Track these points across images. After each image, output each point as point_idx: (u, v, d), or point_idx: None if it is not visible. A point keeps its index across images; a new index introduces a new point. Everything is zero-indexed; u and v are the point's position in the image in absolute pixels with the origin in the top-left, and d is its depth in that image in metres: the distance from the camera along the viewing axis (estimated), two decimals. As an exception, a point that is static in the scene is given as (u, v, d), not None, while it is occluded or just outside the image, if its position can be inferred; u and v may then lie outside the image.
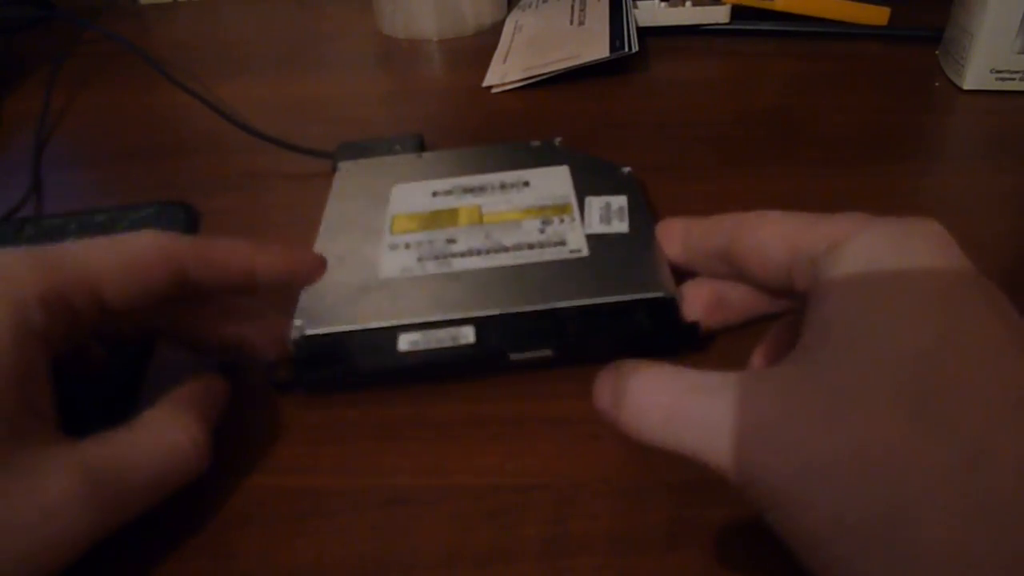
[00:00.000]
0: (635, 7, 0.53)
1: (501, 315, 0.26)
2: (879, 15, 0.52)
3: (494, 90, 0.47)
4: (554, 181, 0.33)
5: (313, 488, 0.23)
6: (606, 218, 0.30)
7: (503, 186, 0.33)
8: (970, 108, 0.43)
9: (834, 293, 0.17)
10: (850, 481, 0.14)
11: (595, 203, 0.31)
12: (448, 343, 0.25)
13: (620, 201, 0.31)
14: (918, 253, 0.17)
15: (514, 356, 0.25)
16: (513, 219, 0.30)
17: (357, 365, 0.25)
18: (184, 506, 0.22)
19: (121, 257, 0.20)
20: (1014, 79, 0.43)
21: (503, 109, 0.45)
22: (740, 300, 0.24)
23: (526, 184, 0.33)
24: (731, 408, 0.16)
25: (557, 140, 0.36)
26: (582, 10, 0.54)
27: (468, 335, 0.25)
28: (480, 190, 0.32)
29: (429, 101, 0.47)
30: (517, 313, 0.26)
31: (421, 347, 0.25)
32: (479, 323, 0.26)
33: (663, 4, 0.53)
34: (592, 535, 0.21)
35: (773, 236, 0.20)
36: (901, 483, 0.13)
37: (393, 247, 0.29)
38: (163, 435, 0.20)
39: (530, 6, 0.59)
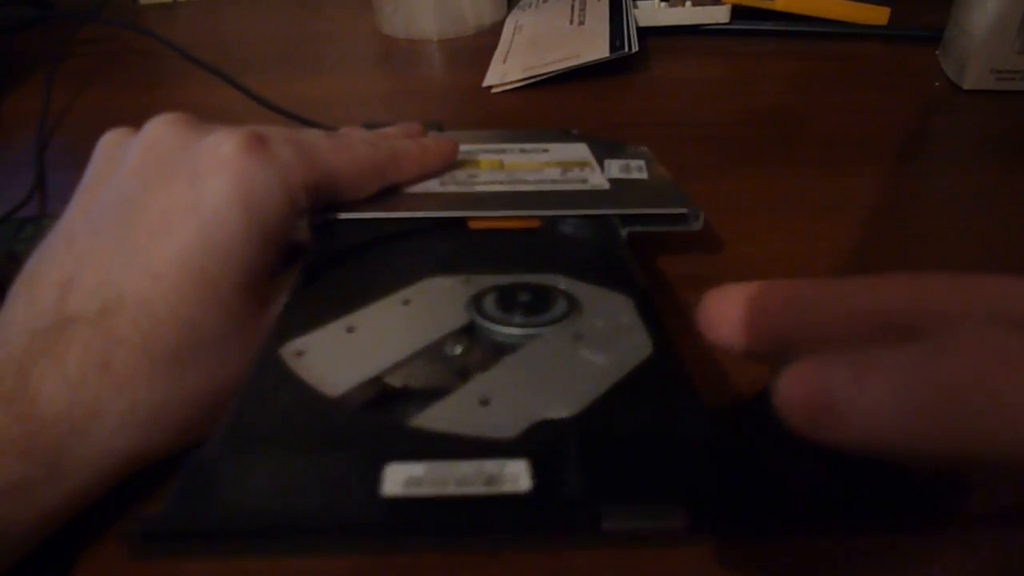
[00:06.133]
0: (635, 7, 0.53)
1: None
2: (879, 15, 0.52)
3: (494, 90, 0.47)
4: (573, 151, 0.33)
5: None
6: (626, 170, 0.31)
7: (523, 151, 0.33)
8: (970, 108, 0.43)
9: None
10: None
11: (615, 162, 0.32)
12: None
13: (639, 163, 0.32)
14: None
15: None
16: (534, 167, 0.31)
17: None
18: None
19: (353, 164, 0.25)
20: (1014, 79, 0.43)
21: (503, 109, 0.45)
22: None
23: (545, 151, 0.33)
24: None
25: (573, 131, 0.37)
26: (582, 10, 0.54)
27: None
28: (501, 151, 0.33)
29: (429, 101, 0.47)
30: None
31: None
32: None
33: (663, 4, 0.53)
34: (593, 535, 0.21)
35: None
36: None
37: None
38: None
39: (530, 6, 0.59)
